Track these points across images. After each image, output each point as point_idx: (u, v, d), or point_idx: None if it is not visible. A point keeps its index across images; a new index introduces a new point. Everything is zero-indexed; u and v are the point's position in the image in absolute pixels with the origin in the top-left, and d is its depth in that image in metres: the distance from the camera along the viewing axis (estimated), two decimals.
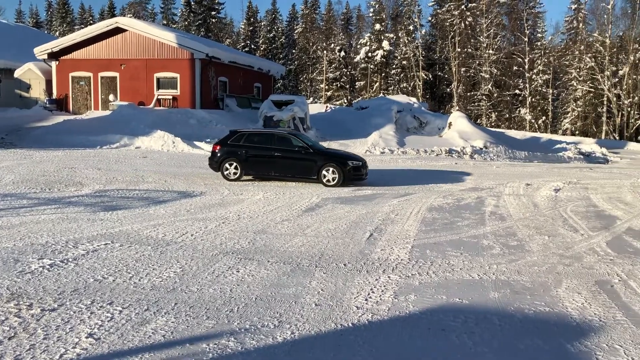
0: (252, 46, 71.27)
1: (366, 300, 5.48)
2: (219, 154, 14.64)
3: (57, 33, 70.07)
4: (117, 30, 28.42)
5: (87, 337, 4.38)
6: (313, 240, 7.90)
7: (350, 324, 4.85)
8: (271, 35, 74.23)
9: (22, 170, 13.93)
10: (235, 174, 14.36)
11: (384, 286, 5.93)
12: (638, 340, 4.64)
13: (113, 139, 21.92)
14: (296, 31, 76.97)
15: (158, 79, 28.40)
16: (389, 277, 6.26)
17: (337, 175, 13.97)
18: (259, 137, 14.94)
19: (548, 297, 5.67)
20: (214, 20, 61.47)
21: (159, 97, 28.28)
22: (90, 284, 5.68)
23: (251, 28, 74.62)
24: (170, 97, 28.28)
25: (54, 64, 29.33)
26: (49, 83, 30.48)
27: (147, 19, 69.83)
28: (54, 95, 29.54)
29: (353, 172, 14.18)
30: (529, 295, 5.72)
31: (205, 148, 21.93)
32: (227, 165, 14.42)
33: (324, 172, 14.03)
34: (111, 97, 28.21)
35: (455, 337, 4.65)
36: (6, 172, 13.48)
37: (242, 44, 71.73)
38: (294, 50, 74.31)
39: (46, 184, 12.31)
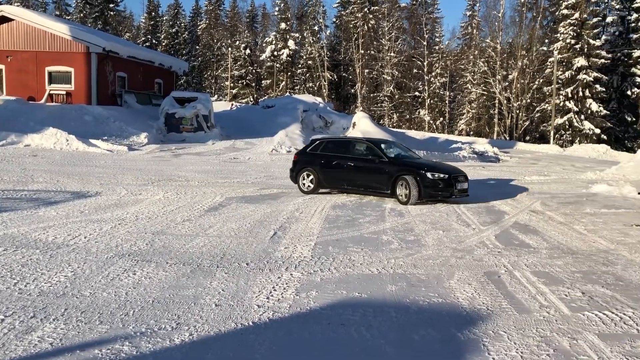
0: (154, 41, 68.99)
1: (268, 298, 5.47)
2: (296, 165, 13.27)
3: None
4: (2, 20, 26.45)
5: None
6: (215, 241, 7.77)
7: (250, 323, 4.82)
8: (174, 30, 72.25)
9: None
10: (309, 187, 12.88)
11: (286, 284, 5.94)
12: (520, 325, 4.98)
13: None
14: (200, 27, 75.48)
15: (50, 73, 26.76)
16: (291, 274, 6.29)
17: (410, 191, 11.55)
18: (335, 144, 13.38)
19: (441, 289, 5.95)
20: (112, 13, 58.77)
21: (52, 92, 26.65)
22: None
23: (152, 22, 72.20)
24: (64, 92, 26.74)
25: None
26: None
27: (37, 9, 65.50)
28: None
29: (435, 188, 11.65)
30: (424, 288, 5.97)
31: (102, 146, 20.94)
32: (303, 176, 12.95)
33: (398, 185, 11.77)
34: None
35: (353, 330, 4.75)
36: None
37: (143, 38, 69.24)
38: (197, 47, 72.79)
39: None
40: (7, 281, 5.60)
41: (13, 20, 26.42)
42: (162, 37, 71.47)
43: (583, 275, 6.70)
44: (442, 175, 11.72)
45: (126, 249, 7.10)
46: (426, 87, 57.06)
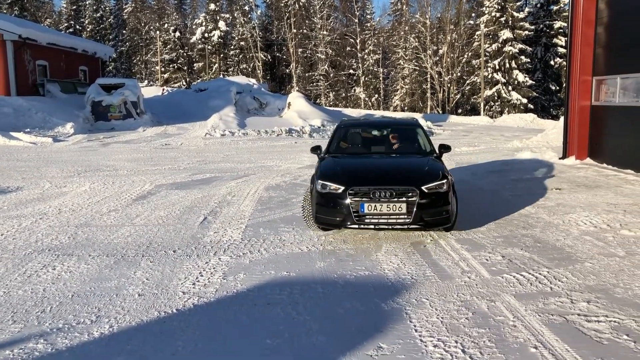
0: (77, 27, 66.05)
1: (194, 284, 5.39)
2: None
3: None
4: None
5: None
6: (142, 230, 7.58)
7: (174, 310, 4.74)
8: (98, 15, 69.36)
9: None
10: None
11: (214, 268, 5.88)
12: (442, 292, 5.13)
13: None
14: (125, 11, 72.74)
15: None
16: (219, 259, 6.22)
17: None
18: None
19: (368, 262, 6.04)
20: None
21: None
22: None
23: (74, 7, 68.97)
24: None
25: None
26: None
27: None
28: None
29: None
30: (352, 262, 6.04)
31: (24, 139, 19.96)
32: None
33: None
34: None
35: (280, 309, 4.75)
36: None
37: (66, 24, 66.13)
38: (124, 31, 70.24)
39: None
40: None
41: None
42: (86, 22, 68.51)
43: (504, 239, 6.96)
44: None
45: (46, 244, 6.81)
46: (360, 65, 57.43)
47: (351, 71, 59.37)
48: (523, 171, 13.08)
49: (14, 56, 25.29)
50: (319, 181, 7.00)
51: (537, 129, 28.85)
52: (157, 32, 62.60)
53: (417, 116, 38.14)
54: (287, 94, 39.95)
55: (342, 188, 6.74)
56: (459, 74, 52.19)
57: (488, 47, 46.16)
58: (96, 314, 4.64)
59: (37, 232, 7.39)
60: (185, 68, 62.31)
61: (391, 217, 6.61)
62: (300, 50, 57.84)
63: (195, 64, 62.97)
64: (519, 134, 25.87)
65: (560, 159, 14.75)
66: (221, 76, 52.85)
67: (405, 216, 6.58)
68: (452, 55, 52.24)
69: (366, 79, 58.31)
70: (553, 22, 47.20)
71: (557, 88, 47.03)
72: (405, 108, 55.44)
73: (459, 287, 5.24)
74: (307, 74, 59.50)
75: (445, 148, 8.24)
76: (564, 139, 15.03)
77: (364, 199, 6.62)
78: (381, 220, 6.63)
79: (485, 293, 5.09)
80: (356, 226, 6.71)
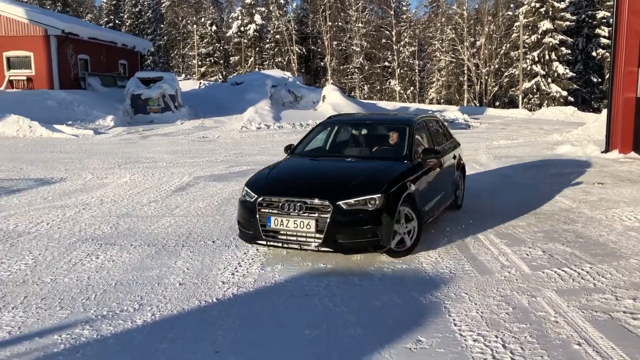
0: (117, 21, 67.34)
1: (233, 274, 5.46)
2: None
3: None
4: None
5: None
6: (181, 220, 7.71)
7: (214, 300, 4.81)
8: (137, 9, 70.51)
9: None
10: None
11: (252, 259, 5.94)
12: (482, 286, 5.07)
13: None
14: (163, 5, 73.76)
15: (8, 59, 25.99)
16: (257, 249, 6.27)
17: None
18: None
19: (406, 256, 6.00)
20: None
21: (11, 78, 25.89)
22: None
23: (114, 2, 70.29)
24: (25, 77, 26.02)
25: None
26: None
27: None
28: None
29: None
30: (385, 256, 6.02)
31: (67, 131, 20.51)
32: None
33: None
34: None
35: (317, 301, 4.78)
36: None
37: (106, 19, 67.49)
38: (162, 25, 71.26)
39: None
40: None
41: None
42: (125, 17, 69.76)
43: (545, 234, 6.83)
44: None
45: (89, 234, 7.00)
46: (395, 57, 56.98)
47: (386, 63, 58.96)
48: (563, 165, 12.79)
49: (57, 51, 25.99)
50: (244, 186, 6.19)
51: (577, 122, 28.14)
52: (194, 26, 63.34)
53: (453, 109, 37.64)
54: (321, 87, 39.97)
55: (255, 197, 5.79)
56: (496, 65, 51.24)
57: (527, 39, 45.15)
58: (139, 302, 4.75)
59: (81, 222, 7.59)
60: (222, 62, 62.90)
61: (300, 235, 5.54)
62: (335, 43, 57.70)
63: (231, 58, 63.52)
64: (558, 127, 25.28)
65: (602, 152, 14.36)
66: (257, 70, 53.18)
67: (314, 235, 5.48)
68: (489, 47, 51.32)
69: (401, 71, 57.82)
70: (596, 12, 45.84)
71: (599, 80, 45.73)
72: (442, 101, 54.80)
73: (499, 282, 5.17)
74: (341, 67, 59.35)
75: (429, 152, 6.73)
76: (607, 132, 14.62)
77: (272, 212, 5.62)
78: (290, 238, 5.58)
79: (526, 288, 5.01)
80: (264, 242, 5.74)
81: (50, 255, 6.07)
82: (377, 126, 7.73)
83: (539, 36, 44.51)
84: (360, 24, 57.35)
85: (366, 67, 58.31)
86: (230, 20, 64.77)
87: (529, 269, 5.52)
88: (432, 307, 4.63)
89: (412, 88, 58.83)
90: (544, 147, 16.79)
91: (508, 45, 49.90)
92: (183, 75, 62.91)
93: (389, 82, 58.80)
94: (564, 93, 43.57)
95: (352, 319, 4.39)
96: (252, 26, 59.06)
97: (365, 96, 55.97)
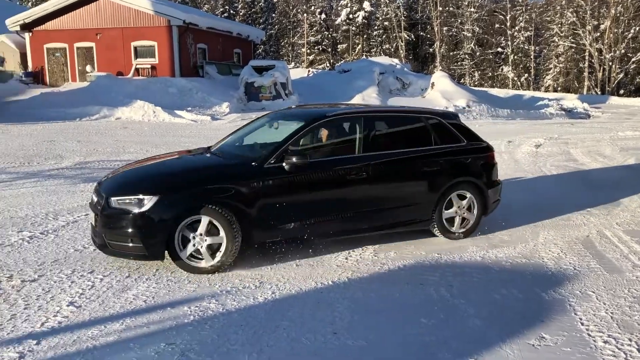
0: (231, 11, 69.93)
1: (346, 259, 5.54)
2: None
3: (30, 4, 68.11)
4: None
5: (68, 305, 4.40)
6: None
7: (330, 282, 4.92)
8: None
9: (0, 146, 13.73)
10: None
11: (365, 245, 5.98)
12: (611, 286, 4.76)
13: (92, 111, 21.61)
14: None
15: (135, 48, 27.88)
16: (370, 236, 6.30)
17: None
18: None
19: (525, 249, 5.77)
20: None
21: (138, 66, 27.81)
22: (70, 254, 5.67)
23: None
24: (149, 66, 27.82)
25: (27, 35, 28.63)
26: (23, 56, 29.80)
27: None
28: (30, 68, 28.92)
29: None
30: (506, 248, 5.82)
31: (187, 117, 21.72)
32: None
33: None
34: (88, 68, 27.68)
35: (433, 290, 4.73)
36: None
37: (221, 9, 70.31)
38: (274, 15, 73.11)
39: (25, 158, 12.16)
40: None
41: None
42: (240, 6, 72.29)
43: None
44: None
45: None
46: (509, 43, 54.41)
47: (499, 49, 56.48)
48: None
49: (179, 40, 27.52)
50: None
51: None
52: (304, 14, 64.37)
53: (572, 97, 35.34)
54: (429, 74, 39.14)
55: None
56: (622, 51, 47.34)
57: None
58: (259, 280, 4.96)
59: None
60: (330, 50, 63.46)
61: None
62: (445, 28, 56.15)
63: (339, 46, 63.89)
64: None
65: None
66: (364, 57, 53.08)
67: (94, 231, 5.25)
68: (615, 30, 47.48)
69: (515, 57, 55.14)
70: None
71: None
72: (559, 88, 51.68)
73: (631, 282, 4.83)
74: (451, 53, 57.71)
75: (294, 156, 5.30)
76: None
77: None
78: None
79: None
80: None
81: None
82: (288, 121, 6.30)
83: None
84: (472, 9, 55.33)
85: (477, 53, 56.24)
86: (339, 8, 65.07)
87: None
88: (555, 303, 4.42)
89: (526, 75, 55.94)
90: None
91: (637, 29, 45.91)
92: (292, 63, 64.27)
93: (502, 69, 56.33)
94: None
95: (470, 310, 4.30)
96: (361, 13, 58.92)
97: (476, 83, 54.05)
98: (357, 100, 26.60)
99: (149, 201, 4.90)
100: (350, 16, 59.46)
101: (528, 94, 40.13)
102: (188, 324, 4.10)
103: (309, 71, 39.96)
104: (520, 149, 13.57)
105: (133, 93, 23.38)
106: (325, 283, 4.89)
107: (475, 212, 6.22)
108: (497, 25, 56.51)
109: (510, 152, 13.13)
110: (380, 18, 59.59)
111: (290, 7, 69.79)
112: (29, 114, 20.82)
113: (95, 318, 4.20)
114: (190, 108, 23.38)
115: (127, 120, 21.01)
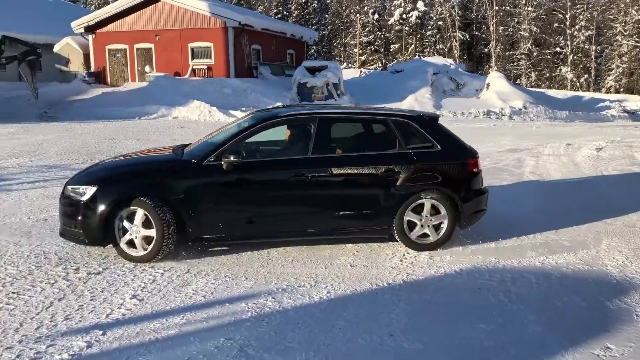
0: (285, 12, 70.61)
1: (401, 261, 5.51)
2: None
3: (93, 7, 70.82)
4: (151, 1, 28.54)
5: (131, 298, 4.56)
6: None
7: (385, 284, 4.90)
8: (303, 0, 73.26)
9: (64, 143, 14.34)
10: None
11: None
12: None
13: (151, 110, 22.27)
14: None
15: (192, 49, 28.54)
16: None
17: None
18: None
19: (586, 256, 5.59)
20: None
21: (194, 67, 28.46)
22: None
23: None
24: (205, 66, 28.42)
25: (90, 37, 29.78)
26: (86, 56, 31.00)
27: None
28: (92, 69, 30.07)
29: None
30: (567, 254, 5.65)
31: (241, 117, 22.08)
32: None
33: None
34: (147, 68, 28.54)
35: (491, 295, 4.65)
36: (50, 145, 13.91)
37: (275, 10, 71.11)
38: (326, 15, 73.37)
39: (88, 154, 12.65)
40: None
41: (159, 1, 28.43)
42: (293, 7, 72.89)
43: None
44: None
45: None
46: (569, 42, 52.67)
47: (557, 49, 54.77)
48: None
49: (234, 41, 28.01)
50: None
51: None
52: (357, 15, 64.30)
53: (636, 99, 33.84)
54: (484, 74, 38.35)
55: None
56: None
57: None
58: (314, 279, 5.00)
59: None
60: (382, 50, 63.15)
61: None
62: (501, 28, 54.88)
63: (391, 46, 63.48)
64: None
65: None
66: (417, 57, 52.54)
67: None
68: None
69: (575, 57, 53.32)
70: None
71: None
72: (621, 89, 49.63)
73: None
74: (507, 53, 56.35)
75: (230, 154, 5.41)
76: None
77: None
78: None
79: None
80: None
81: None
82: (248, 121, 6.12)
83: None
84: (530, 7, 53.84)
85: (534, 53, 54.70)
86: (392, 8, 64.66)
87: None
88: (621, 313, 4.26)
89: (586, 76, 53.98)
90: None
91: None
92: (344, 63, 64.30)
93: (560, 69, 54.60)
94: None
95: (530, 316, 4.21)
96: (415, 13, 58.35)
97: (533, 84, 52.57)
98: (409, 101, 26.37)
99: (89, 191, 5.35)
100: (404, 16, 58.98)
101: (588, 95, 38.76)
102: (246, 320, 4.18)
103: (361, 71, 39.90)
104: (580, 152, 13.13)
105: (189, 93, 23.96)
106: (380, 284, 4.88)
107: (445, 223, 5.75)
108: (555, 25, 54.82)
109: (570, 155, 12.73)
110: (434, 18, 58.82)
111: (343, 8, 69.84)
112: (91, 113, 21.65)
113: (157, 311, 4.34)
114: (244, 108, 23.75)
115: (184, 120, 21.54)
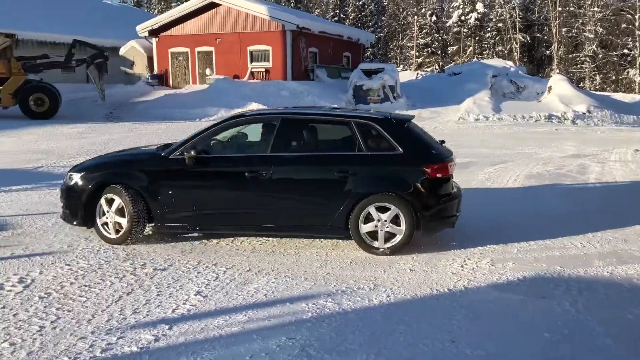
0: (342, 15, 70.79)
1: (462, 267, 5.43)
2: None
3: (156, 11, 73.17)
4: (212, 5, 29.22)
5: (195, 295, 4.70)
6: None
7: (446, 290, 4.85)
8: (360, 2, 73.22)
9: (129, 142, 14.87)
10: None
11: (480, 254, 5.84)
12: None
13: (211, 112, 22.81)
14: None
15: (251, 52, 29.02)
16: (485, 245, 6.14)
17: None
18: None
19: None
20: None
21: (253, 70, 28.93)
22: (196, 246, 6.04)
23: None
24: (263, 69, 28.85)
25: (154, 40, 30.77)
26: (150, 59, 32.06)
27: None
28: (155, 71, 31.07)
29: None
30: (638, 265, 5.42)
31: None
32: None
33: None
34: (208, 71, 29.24)
35: (556, 304, 4.52)
36: (116, 144, 14.47)
37: (332, 13, 71.41)
38: (383, 17, 73.08)
39: None
40: (227, 238, 6.31)
41: (220, 5, 29.09)
42: (350, 10, 72.98)
43: None
44: None
45: None
46: (637, 44, 50.41)
47: (625, 51, 52.52)
48: None
49: (292, 44, 28.31)
50: None
51: None
52: (414, 17, 63.75)
53: None
54: (546, 77, 37.24)
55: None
56: None
57: None
58: (373, 282, 5.00)
59: None
60: (439, 52, 62.33)
61: None
62: (564, 29, 53.11)
63: (449, 48, 62.57)
64: None
65: None
66: (475, 59, 51.55)
67: None
68: None
69: None
70: None
71: None
72: None
73: None
74: (570, 55, 54.48)
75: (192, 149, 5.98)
76: None
77: None
78: None
79: None
80: None
81: None
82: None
83: None
84: (596, 8, 51.90)
85: (600, 56, 52.66)
86: (450, 10, 63.71)
87: None
88: None
89: None
90: None
91: None
92: (400, 66, 63.85)
93: (627, 72, 52.32)
94: None
95: (599, 328, 4.07)
96: (473, 15, 57.30)
97: (597, 87, 50.63)
98: (467, 104, 25.89)
99: (75, 178, 6.16)
100: (462, 18, 58.03)
101: None
102: (306, 320, 4.23)
103: (417, 74, 39.52)
104: None
105: (248, 95, 24.39)
106: (441, 290, 4.84)
107: (403, 227, 5.61)
108: (623, 26, 52.56)
109: (638, 162, 12.20)
110: (494, 19, 57.57)
111: (400, 10, 69.39)
112: (154, 114, 22.38)
113: (220, 308, 4.45)
114: None
115: None
